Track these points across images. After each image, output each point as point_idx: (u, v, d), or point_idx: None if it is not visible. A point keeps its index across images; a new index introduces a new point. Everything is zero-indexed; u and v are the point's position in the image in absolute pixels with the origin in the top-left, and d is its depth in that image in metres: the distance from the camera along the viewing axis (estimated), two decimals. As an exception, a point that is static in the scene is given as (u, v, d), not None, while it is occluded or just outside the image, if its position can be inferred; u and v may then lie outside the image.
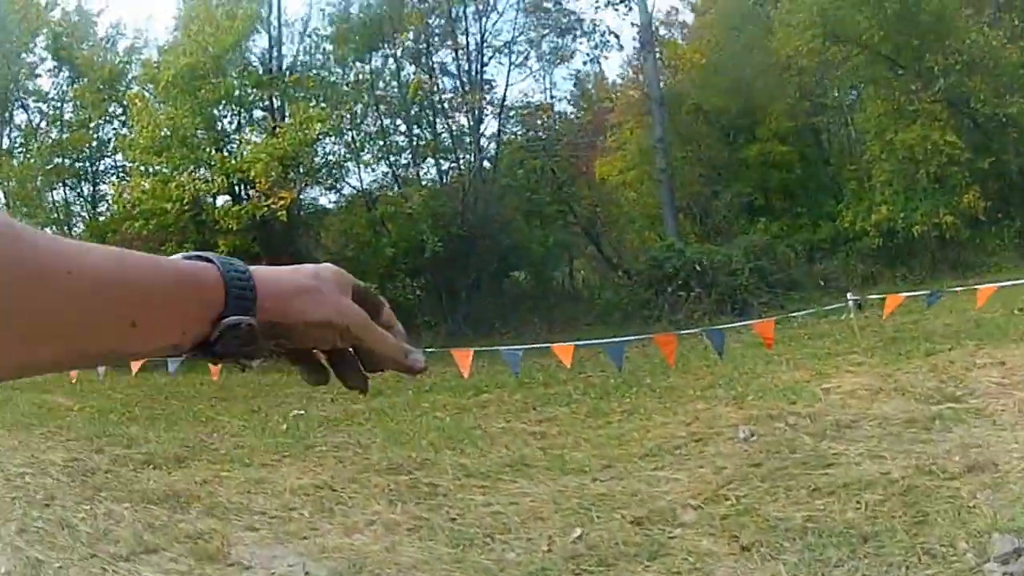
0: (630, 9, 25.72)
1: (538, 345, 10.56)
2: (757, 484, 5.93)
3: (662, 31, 28.65)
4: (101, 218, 25.57)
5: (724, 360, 10.20)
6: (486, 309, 23.00)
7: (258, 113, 24.19)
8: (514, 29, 25.65)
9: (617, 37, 26.62)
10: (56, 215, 25.93)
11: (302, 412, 11.14)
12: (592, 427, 8.73)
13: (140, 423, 10.97)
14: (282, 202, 20.18)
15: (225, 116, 23.65)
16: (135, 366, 10.52)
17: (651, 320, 19.68)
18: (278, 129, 21.40)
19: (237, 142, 22.56)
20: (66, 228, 26.32)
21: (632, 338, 11.64)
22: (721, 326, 11.57)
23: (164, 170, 21.11)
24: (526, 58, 26.09)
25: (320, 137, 22.42)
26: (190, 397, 13.38)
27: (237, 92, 22.73)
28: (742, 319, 15.26)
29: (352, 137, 24.80)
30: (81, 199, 27.37)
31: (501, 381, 12.04)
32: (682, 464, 6.78)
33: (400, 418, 10.33)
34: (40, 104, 26.68)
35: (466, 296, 23.10)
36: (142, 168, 21.78)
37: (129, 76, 25.43)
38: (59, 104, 26.70)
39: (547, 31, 25.54)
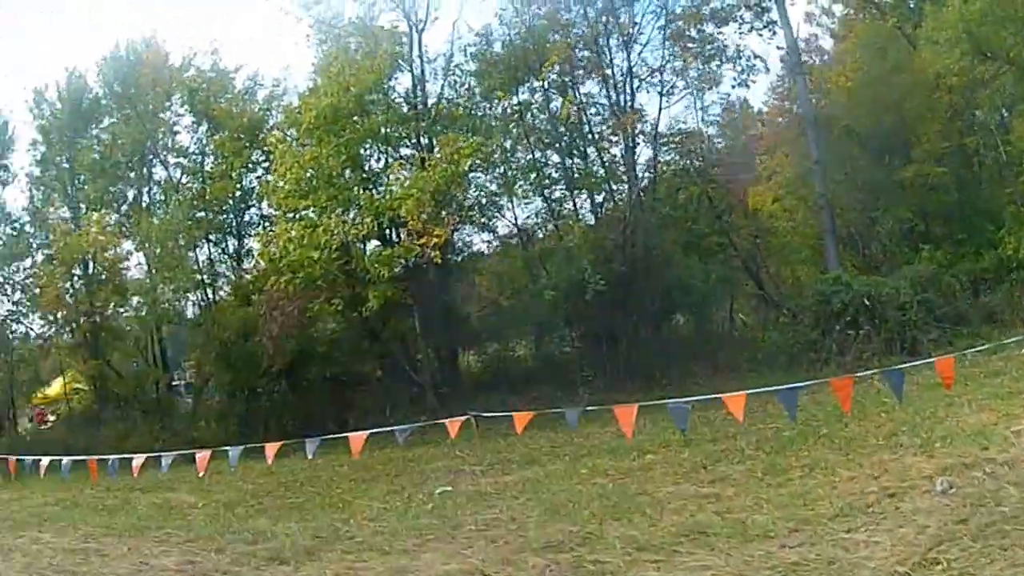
0: (774, 34, 25.48)
1: (708, 396, 10.02)
2: (968, 544, 5.48)
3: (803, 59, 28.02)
4: (246, 276, 25.81)
5: (903, 404, 9.67)
6: (646, 357, 22.36)
7: (405, 151, 24.15)
8: (661, 57, 25.38)
9: (763, 61, 26.14)
10: (200, 276, 26.26)
11: (448, 489, 10.81)
12: (771, 485, 8.28)
13: (269, 514, 10.67)
14: (435, 240, 19.74)
15: (372, 156, 23.75)
16: (270, 453, 10.17)
17: (818, 363, 18.89)
18: (428, 162, 21.21)
19: (385, 181, 22.40)
20: (211, 290, 26.80)
21: (808, 383, 10.94)
22: (898, 366, 10.94)
23: (311, 215, 21.04)
24: (672, 86, 25.74)
25: (472, 168, 22.16)
26: (328, 481, 13.08)
27: (383, 130, 22.74)
28: (912, 358, 14.49)
29: (504, 171, 24.71)
30: (225, 256, 27.62)
31: (665, 439, 11.63)
32: (879, 524, 6.32)
33: (557, 488, 9.92)
34: (180, 159, 27.33)
35: (627, 344, 22.59)
36: (288, 215, 21.67)
37: (270, 123, 25.73)
38: (199, 157, 27.27)
39: (693, 58, 25.20)
